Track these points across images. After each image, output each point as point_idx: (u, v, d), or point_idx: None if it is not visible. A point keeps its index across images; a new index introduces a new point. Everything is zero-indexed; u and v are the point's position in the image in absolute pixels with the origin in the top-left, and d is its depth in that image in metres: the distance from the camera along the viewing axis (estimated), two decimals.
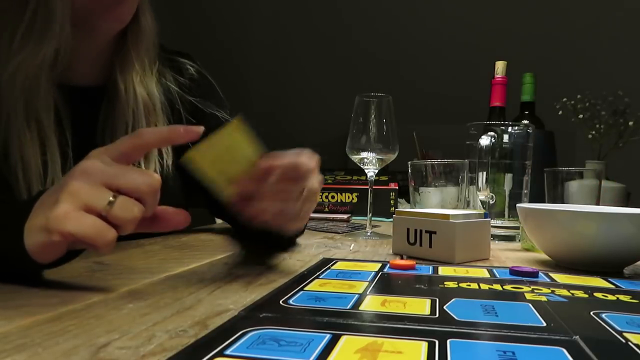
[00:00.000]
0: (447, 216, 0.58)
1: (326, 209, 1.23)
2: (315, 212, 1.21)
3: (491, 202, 0.79)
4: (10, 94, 0.56)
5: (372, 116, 0.79)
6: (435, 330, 0.29)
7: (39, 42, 0.56)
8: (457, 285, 0.42)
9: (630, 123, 1.24)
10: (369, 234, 0.81)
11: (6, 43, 0.56)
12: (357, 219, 1.15)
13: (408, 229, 0.61)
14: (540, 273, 0.49)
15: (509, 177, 0.80)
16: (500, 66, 1.04)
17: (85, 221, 0.35)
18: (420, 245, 0.60)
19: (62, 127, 0.61)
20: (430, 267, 0.51)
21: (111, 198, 0.36)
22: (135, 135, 0.40)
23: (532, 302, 0.37)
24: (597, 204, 0.79)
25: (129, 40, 0.66)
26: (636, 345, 0.28)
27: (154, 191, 0.38)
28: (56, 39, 0.56)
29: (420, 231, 0.60)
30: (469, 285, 0.42)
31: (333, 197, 1.23)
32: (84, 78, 0.66)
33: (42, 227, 0.36)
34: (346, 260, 0.54)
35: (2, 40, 0.56)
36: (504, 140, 0.80)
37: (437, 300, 0.37)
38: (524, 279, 0.46)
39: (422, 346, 0.26)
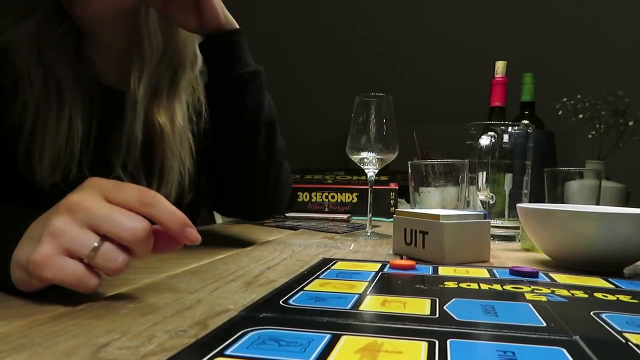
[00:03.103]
0: (437, 217, 0.57)
1: (326, 209, 1.23)
2: (315, 212, 1.21)
3: (491, 202, 0.79)
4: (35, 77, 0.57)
5: (372, 116, 0.79)
6: (435, 330, 0.29)
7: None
8: (457, 285, 0.42)
9: (630, 123, 1.24)
10: (369, 234, 0.81)
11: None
12: (357, 219, 1.15)
13: (405, 229, 0.61)
14: (540, 273, 0.49)
15: (509, 177, 0.80)
16: (500, 66, 1.04)
17: (65, 268, 0.33)
18: (415, 245, 0.60)
19: (90, 122, 0.62)
20: (430, 267, 0.51)
21: (95, 244, 0.34)
22: (145, 202, 0.36)
23: (532, 302, 0.37)
24: (597, 204, 0.79)
25: (144, 55, 0.64)
26: (636, 345, 0.28)
27: (140, 242, 0.35)
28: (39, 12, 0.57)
29: (415, 231, 0.60)
30: (469, 285, 0.42)
31: (333, 197, 1.23)
32: (114, 81, 0.66)
33: (24, 268, 0.34)
34: (346, 260, 0.54)
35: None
36: (504, 140, 0.80)
37: (437, 300, 0.36)
38: (524, 279, 0.46)
39: (422, 346, 0.26)
